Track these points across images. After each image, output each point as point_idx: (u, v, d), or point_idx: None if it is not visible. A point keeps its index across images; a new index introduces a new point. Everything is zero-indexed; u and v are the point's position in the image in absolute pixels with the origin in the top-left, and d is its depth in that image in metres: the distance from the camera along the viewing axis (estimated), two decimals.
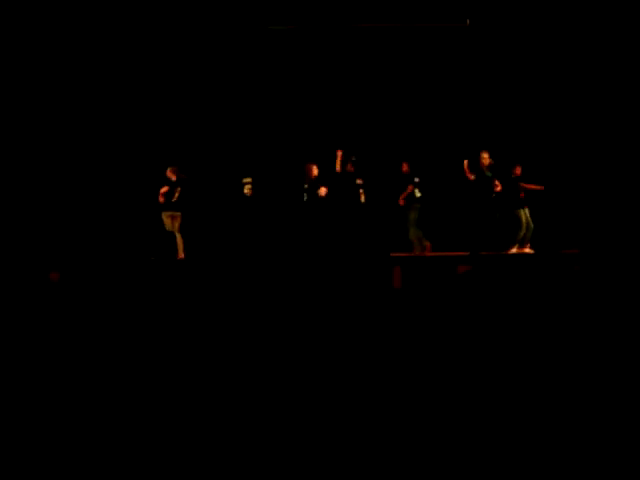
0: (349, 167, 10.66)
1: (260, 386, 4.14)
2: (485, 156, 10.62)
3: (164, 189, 10.46)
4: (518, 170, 10.85)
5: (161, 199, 10.47)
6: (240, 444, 3.24)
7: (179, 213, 10.62)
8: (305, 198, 10.53)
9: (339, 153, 10.54)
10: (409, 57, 11.98)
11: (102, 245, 10.74)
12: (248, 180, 10.84)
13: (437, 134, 11.91)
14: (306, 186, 10.54)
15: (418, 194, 10.75)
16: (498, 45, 12.00)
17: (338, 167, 10.56)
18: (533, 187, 10.91)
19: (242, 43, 11.72)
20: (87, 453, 3.15)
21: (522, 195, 10.76)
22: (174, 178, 10.57)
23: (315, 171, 10.54)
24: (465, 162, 10.65)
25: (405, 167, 10.84)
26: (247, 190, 10.83)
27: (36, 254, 9.72)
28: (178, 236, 10.58)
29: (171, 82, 11.71)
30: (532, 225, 10.79)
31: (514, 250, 10.68)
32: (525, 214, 10.79)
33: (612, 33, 11.50)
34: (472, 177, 10.59)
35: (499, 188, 10.55)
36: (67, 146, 11.16)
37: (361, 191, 10.72)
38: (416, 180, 10.74)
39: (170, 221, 10.57)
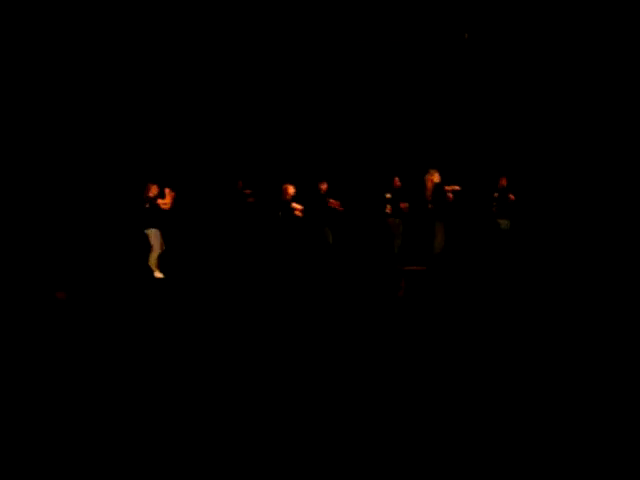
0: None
1: (265, 393, 4.17)
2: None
3: None
4: (504, 181, 10.72)
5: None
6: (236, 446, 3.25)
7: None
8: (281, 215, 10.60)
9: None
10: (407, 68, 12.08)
11: (108, 263, 10.73)
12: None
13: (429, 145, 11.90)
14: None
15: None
16: (496, 58, 12.06)
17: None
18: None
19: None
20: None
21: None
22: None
23: (291, 190, 10.62)
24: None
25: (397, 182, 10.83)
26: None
27: (42, 273, 9.75)
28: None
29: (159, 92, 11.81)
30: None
31: None
32: None
33: (597, 49, 11.50)
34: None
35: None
36: (71, 163, 11.16)
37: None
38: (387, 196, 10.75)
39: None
